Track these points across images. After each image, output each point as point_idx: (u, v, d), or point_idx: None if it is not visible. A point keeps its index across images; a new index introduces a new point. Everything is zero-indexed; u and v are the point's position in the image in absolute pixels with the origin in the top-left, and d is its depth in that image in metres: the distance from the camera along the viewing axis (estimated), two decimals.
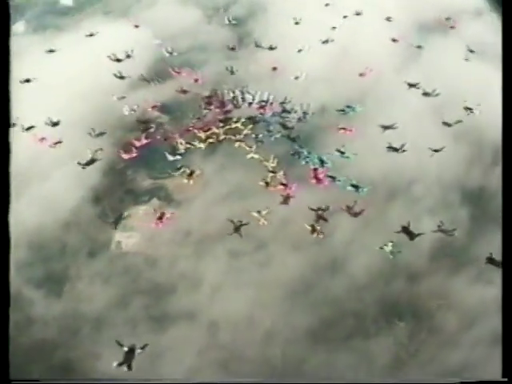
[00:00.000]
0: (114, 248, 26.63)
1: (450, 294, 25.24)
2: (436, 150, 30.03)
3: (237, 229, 26.18)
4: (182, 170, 29.89)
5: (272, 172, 28.98)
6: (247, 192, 29.38)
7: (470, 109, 33.27)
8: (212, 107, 35.25)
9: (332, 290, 25.50)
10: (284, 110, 34.26)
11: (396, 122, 32.19)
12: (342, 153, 30.17)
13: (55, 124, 31.41)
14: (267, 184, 28.48)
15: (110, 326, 24.00)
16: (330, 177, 29.01)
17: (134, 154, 30.51)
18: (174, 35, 42.06)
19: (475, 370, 21.91)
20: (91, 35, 40.06)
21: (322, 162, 29.93)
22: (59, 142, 30.19)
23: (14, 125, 29.21)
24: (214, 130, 32.63)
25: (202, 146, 31.84)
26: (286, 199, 27.70)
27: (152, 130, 32.22)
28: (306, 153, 30.43)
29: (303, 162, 29.88)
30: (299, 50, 38.38)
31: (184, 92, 35.57)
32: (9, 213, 16.28)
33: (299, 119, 33.35)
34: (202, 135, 32.40)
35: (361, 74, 35.46)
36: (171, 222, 27.76)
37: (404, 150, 29.90)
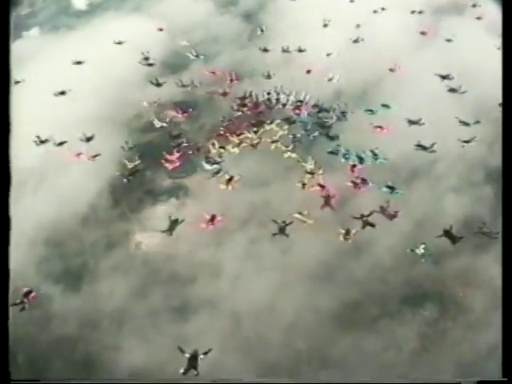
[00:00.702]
0: (133, 248, 26.96)
1: (478, 272, 25.19)
2: (466, 141, 31.01)
3: (282, 229, 26.33)
4: (220, 174, 29.71)
5: (310, 173, 29.32)
6: (282, 192, 29.22)
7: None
8: (245, 109, 34.95)
9: (356, 273, 25.29)
10: (321, 110, 34.29)
11: (423, 118, 32.75)
12: (375, 155, 30.78)
13: (89, 139, 31.85)
14: (304, 185, 28.88)
15: (131, 318, 24.11)
16: (363, 180, 29.05)
17: (177, 164, 30.82)
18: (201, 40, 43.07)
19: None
20: (119, 43, 41.27)
21: (361, 160, 30.35)
22: (98, 155, 30.77)
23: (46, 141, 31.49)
24: (247, 134, 32.44)
25: (236, 150, 31.46)
26: (327, 201, 28.15)
27: (184, 143, 32.08)
28: (344, 150, 30.60)
29: (342, 160, 30.29)
30: (328, 54, 39.33)
31: (224, 94, 36.39)
32: (9, 211, 16.34)
33: (338, 118, 33.26)
34: (235, 139, 32.01)
35: (391, 69, 36.42)
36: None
37: (433, 151, 30.95)
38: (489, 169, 29.40)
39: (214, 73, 37.77)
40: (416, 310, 23.74)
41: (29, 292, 23.25)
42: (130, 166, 29.88)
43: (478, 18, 41.05)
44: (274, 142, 31.46)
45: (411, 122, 31.81)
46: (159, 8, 45.59)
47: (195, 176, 30.14)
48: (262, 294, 24.36)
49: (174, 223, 26.39)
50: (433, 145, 29.85)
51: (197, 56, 39.43)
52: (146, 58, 38.92)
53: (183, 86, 36.55)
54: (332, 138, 31.51)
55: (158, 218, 27.64)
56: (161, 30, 42.28)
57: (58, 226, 26.96)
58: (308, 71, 37.11)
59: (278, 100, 34.91)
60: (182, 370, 20.89)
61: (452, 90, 34.25)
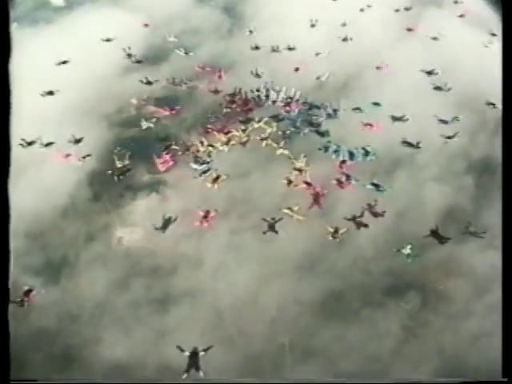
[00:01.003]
0: (115, 244, 26.76)
1: (460, 262, 25.74)
2: (449, 137, 31.87)
3: (271, 226, 26.64)
4: (208, 173, 29.90)
5: (298, 170, 29.73)
6: (268, 190, 29.43)
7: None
8: (234, 106, 35.28)
9: (338, 264, 25.78)
10: (312, 106, 34.84)
11: (407, 113, 33.82)
12: (367, 152, 31.20)
13: (78, 141, 31.71)
14: (290, 182, 29.20)
15: (111, 309, 24.15)
16: (348, 176, 29.65)
17: (171, 163, 31.09)
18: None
19: (490, 337, 22.15)
20: (103, 39, 41.42)
21: (352, 155, 30.79)
22: (88, 156, 30.91)
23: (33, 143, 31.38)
24: (235, 132, 32.47)
25: (225, 148, 31.70)
26: (316, 199, 28.41)
27: (173, 145, 32.00)
28: (335, 146, 31.10)
29: (333, 156, 30.78)
30: (317, 54, 39.99)
31: (216, 92, 36.76)
32: (9, 210, 15.50)
33: (329, 115, 33.85)
34: (223, 137, 32.18)
35: (377, 67, 37.28)
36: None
37: (418, 147, 31.57)
38: (471, 160, 30.24)
39: (203, 68, 38.68)
40: (399, 301, 24.23)
41: (29, 291, 23.61)
42: (120, 164, 30.44)
43: (461, 16, 42.94)
44: (263, 139, 31.69)
45: (396, 119, 33.02)
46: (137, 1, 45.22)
47: (175, 171, 30.30)
48: (243, 286, 24.66)
49: (168, 221, 26.82)
50: (418, 143, 31.07)
51: (186, 53, 40.16)
52: (129, 55, 40.00)
53: (173, 83, 37.52)
54: (322, 135, 31.94)
55: (139, 213, 28.09)
56: (146, 25, 43.50)
57: (37, 218, 27.15)
58: (296, 69, 38.07)
59: (267, 97, 35.43)
60: (184, 375, 21.40)
61: (437, 88, 35.81)
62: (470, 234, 25.60)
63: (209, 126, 33.02)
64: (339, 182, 28.39)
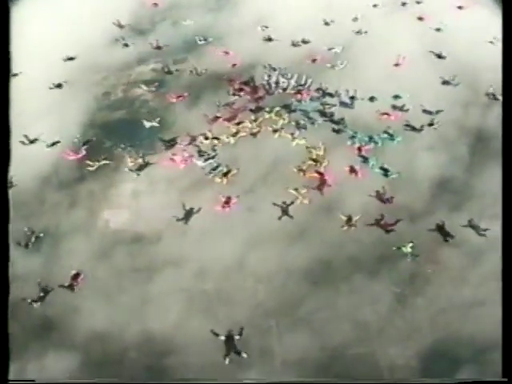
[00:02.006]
0: (101, 226, 26.80)
1: (452, 231, 25.76)
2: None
3: (284, 211, 26.80)
4: (217, 170, 29.28)
5: (314, 161, 29.51)
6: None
7: None
8: (242, 93, 34.93)
9: (328, 232, 25.98)
10: (325, 94, 34.46)
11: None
12: (391, 135, 30.99)
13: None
14: (300, 170, 29.15)
15: (94, 279, 24.46)
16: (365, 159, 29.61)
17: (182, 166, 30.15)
18: None
19: (482, 306, 22.72)
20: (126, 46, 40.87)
21: (371, 139, 30.65)
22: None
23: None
24: (247, 123, 32.15)
25: (232, 140, 31.15)
26: (320, 186, 28.18)
27: (178, 143, 31.40)
28: (351, 132, 31.23)
29: (349, 143, 30.64)
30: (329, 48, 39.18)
31: (219, 78, 36.37)
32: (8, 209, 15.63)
33: (342, 103, 33.49)
34: (232, 128, 31.89)
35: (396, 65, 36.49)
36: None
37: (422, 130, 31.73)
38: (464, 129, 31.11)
39: (227, 53, 38.83)
40: (391, 269, 24.46)
41: (77, 274, 24.18)
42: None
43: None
44: (275, 130, 31.45)
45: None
46: None
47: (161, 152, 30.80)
48: (230, 253, 25.14)
49: (190, 212, 26.91)
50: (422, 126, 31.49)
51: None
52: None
53: (191, 71, 37.52)
54: (337, 123, 31.91)
55: (125, 195, 28.45)
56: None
57: (19, 187, 27.72)
58: (313, 60, 37.97)
59: (277, 84, 35.25)
60: (225, 360, 21.63)
61: (446, 83, 35.32)
62: (472, 228, 25.69)
63: (218, 115, 32.85)
64: (352, 170, 28.71)
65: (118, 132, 31.97)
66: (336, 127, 31.37)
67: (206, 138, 31.01)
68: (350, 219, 25.79)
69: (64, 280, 23.76)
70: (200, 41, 39.65)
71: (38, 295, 23.20)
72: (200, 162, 29.48)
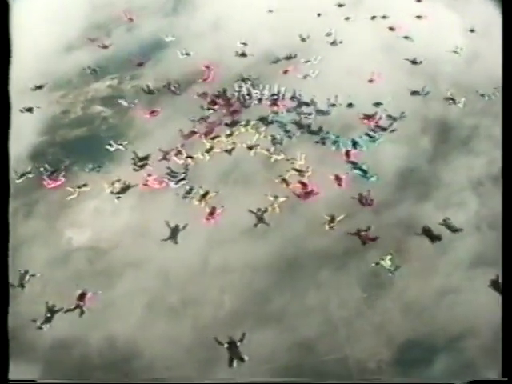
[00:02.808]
0: (64, 244, 26.50)
1: (420, 220, 26.69)
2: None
3: (260, 219, 26.86)
4: (193, 192, 28.48)
5: (298, 171, 29.32)
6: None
7: None
8: (216, 107, 34.40)
9: (293, 228, 26.57)
10: (300, 103, 34.10)
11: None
12: (372, 137, 31.26)
13: None
14: (284, 181, 28.90)
15: (54, 283, 24.80)
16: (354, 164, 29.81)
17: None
18: None
19: (455, 294, 23.52)
20: None
21: (355, 144, 30.79)
22: None
23: None
24: (222, 138, 31.77)
25: (207, 157, 30.71)
26: (305, 194, 28.03)
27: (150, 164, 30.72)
28: (333, 137, 31.38)
29: (333, 148, 30.73)
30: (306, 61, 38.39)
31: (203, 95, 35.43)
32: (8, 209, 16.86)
33: (319, 111, 33.21)
34: (206, 143, 31.38)
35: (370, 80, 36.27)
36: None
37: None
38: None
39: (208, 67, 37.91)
40: (359, 261, 25.05)
41: (83, 294, 24.13)
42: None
43: None
44: (251, 147, 31.05)
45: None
46: None
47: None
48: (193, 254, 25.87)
49: (175, 230, 26.53)
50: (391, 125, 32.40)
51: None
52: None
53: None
54: (317, 133, 31.77)
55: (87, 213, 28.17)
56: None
57: None
58: (285, 71, 37.44)
59: (250, 96, 34.99)
60: (228, 365, 21.89)
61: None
62: (447, 227, 26.16)
63: (195, 130, 32.42)
64: (337, 179, 28.65)
65: (79, 150, 31.80)
66: (316, 138, 31.36)
67: (179, 154, 30.83)
68: (333, 219, 26.35)
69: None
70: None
71: None
72: (172, 184, 29.10)
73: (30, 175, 29.79)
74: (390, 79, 35.76)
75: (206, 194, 28.24)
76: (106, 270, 25.27)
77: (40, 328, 22.82)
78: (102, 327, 23.15)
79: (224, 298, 24.07)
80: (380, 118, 32.17)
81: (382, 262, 24.61)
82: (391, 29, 41.30)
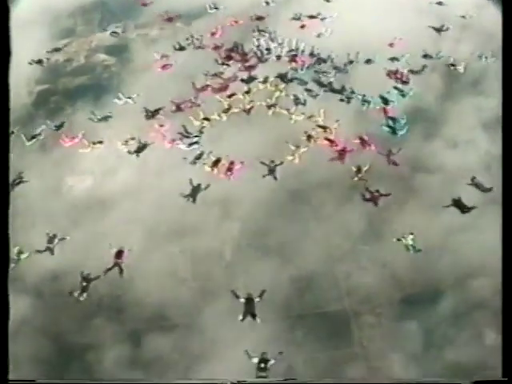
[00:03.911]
0: (65, 192, 26.86)
1: (428, 158, 26.92)
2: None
3: (271, 171, 25.97)
4: (202, 158, 26.93)
5: (322, 127, 27.84)
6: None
7: None
8: (231, 62, 32.85)
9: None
10: (319, 60, 32.45)
11: None
12: (401, 91, 30.21)
13: None
14: (309, 137, 27.36)
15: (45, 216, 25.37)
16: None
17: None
18: None
19: (462, 232, 23.51)
20: None
21: (386, 101, 29.66)
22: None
23: None
24: (239, 95, 30.18)
25: (224, 117, 29.11)
26: (341, 155, 26.55)
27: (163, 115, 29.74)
28: (360, 97, 30.03)
29: (364, 108, 29.36)
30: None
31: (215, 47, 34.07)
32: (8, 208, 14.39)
33: (337, 69, 31.66)
34: (224, 102, 29.74)
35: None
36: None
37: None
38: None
39: (236, 22, 36.49)
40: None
41: (120, 252, 23.57)
42: None
43: None
44: (270, 106, 29.57)
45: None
46: None
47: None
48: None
49: (197, 189, 25.21)
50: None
51: (216, 8, 38.21)
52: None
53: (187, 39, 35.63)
54: (340, 92, 30.41)
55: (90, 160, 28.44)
56: None
57: None
58: (302, 26, 36.06)
59: (269, 50, 33.93)
60: (240, 317, 21.29)
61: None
62: (476, 187, 25.36)
63: (208, 83, 31.23)
64: (362, 141, 27.34)
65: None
66: (340, 97, 30.24)
67: (194, 106, 29.60)
68: (359, 170, 25.94)
69: None
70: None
71: None
72: (183, 146, 28.16)
73: (41, 136, 29.20)
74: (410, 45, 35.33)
75: (217, 160, 26.93)
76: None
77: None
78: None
79: (223, 230, 24.90)
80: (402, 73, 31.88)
81: (402, 240, 23.56)
82: None
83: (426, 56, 33.75)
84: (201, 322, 22.44)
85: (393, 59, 32.93)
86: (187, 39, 35.01)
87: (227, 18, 37.18)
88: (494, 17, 32.79)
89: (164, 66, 32.97)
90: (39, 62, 34.51)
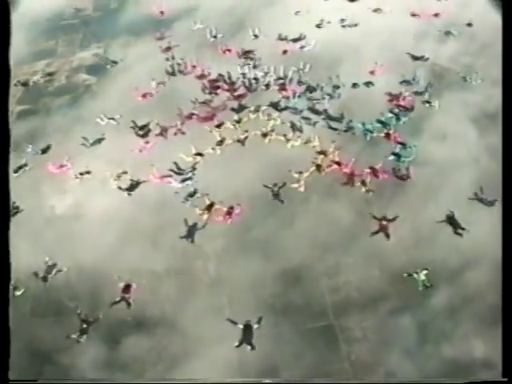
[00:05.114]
0: (47, 213, 26.38)
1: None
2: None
3: (275, 195, 25.53)
4: (196, 196, 25.74)
5: (321, 153, 27.68)
6: None
7: None
8: (219, 91, 32.31)
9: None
10: (309, 87, 32.12)
11: None
12: (396, 115, 29.67)
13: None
14: (318, 167, 26.89)
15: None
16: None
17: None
18: None
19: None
20: None
21: (385, 125, 29.33)
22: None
23: None
24: (229, 125, 29.63)
25: (218, 150, 28.27)
26: (350, 178, 26.38)
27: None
28: (360, 126, 29.58)
29: (368, 138, 28.46)
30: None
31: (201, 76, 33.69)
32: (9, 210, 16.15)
33: (330, 96, 31.40)
34: (215, 133, 28.97)
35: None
36: None
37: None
38: None
39: (229, 50, 35.94)
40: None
41: (128, 286, 23.10)
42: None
43: None
44: (265, 134, 28.96)
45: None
46: None
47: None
48: None
49: (193, 227, 24.58)
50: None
51: (215, 37, 37.74)
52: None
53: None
54: (339, 120, 29.83)
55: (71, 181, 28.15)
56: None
57: None
58: (284, 51, 36.24)
59: (256, 80, 33.45)
60: (236, 344, 20.97)
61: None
62: (479, 201, 24.98)
63: (194, 112, 30.75)
64: (373, 171, 26.72)
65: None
66: (338, 125, 29.63)
67: (179, 132, 29.31)
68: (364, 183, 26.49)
69: None
70: None
71: None
72: (176, 183, 27.10)
73: (27, 167, 28.90)
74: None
75: (211, 205, 25.86)
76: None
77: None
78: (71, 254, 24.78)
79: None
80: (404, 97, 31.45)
81: (414, 275, 22.56)
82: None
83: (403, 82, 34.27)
84: (181, 320, 21.99)
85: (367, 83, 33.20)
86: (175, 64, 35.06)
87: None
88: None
89: (144, 95, 32.06)
90: (25, 84, 34.57)
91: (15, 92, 33.62)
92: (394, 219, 24.80)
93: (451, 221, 25.11)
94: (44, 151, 29.92)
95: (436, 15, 38.94)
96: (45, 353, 21.38)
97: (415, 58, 35.92)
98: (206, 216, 25.58)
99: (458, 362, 19.91)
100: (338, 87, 32.51)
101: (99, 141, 29.84)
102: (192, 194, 26.47)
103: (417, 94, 31.66)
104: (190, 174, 27.48)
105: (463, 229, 24.73)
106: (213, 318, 22.03)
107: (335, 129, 29.44)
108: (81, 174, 28.68)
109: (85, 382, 21.16)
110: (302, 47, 37.42)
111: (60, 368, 20.91)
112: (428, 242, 23.76)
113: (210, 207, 25.97)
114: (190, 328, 21.78)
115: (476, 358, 20.07)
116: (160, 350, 21.40)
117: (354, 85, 32.70)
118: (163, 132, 29.54)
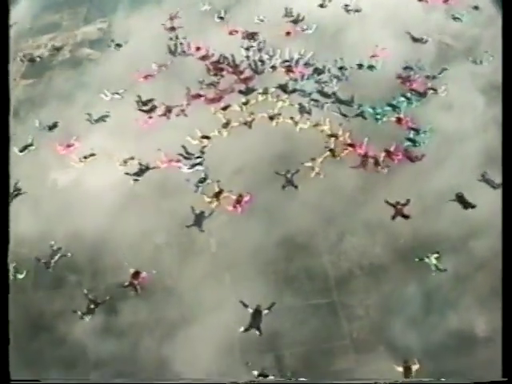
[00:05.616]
0: (49, 186, 26.59)
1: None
2: None
3: (289, 181, 24.87)
4: (205, 183, 25.11)
5: (332, 136, 27.01)
6: None
7: None
8: (224, 73, 31.73)
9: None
10: (316, 69, 31.30)
11: None
12: (408, 99, 29.03)
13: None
14: (332, 152, 26.20)
15: None
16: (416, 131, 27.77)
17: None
18: None
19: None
20: None
21: (395, 108, 28.42)
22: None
23: None
24: (236, 107, 29.14)
25: (225, 133, 27.75)
26: (363, 161, 25.66)
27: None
28: (370, 110, 28.69)
29: (379, 122, 27.67)
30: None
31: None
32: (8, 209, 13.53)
33: (338, 78, 30.58)
34: (219, 115, 28.37)
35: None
36: None
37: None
38: None
39: (236, 31, 35.11)
40: None
41: (137, 273, 22.53)
42: None
43: None
44: (273, 117, 28.38)
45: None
46: None
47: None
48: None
49: (200, 215, 23.79)
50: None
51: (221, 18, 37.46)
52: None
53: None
54: (349, 103, 28.81)
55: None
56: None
57: None
58: (287, 33, 35.34)
59: (262, 62, 32.69)
60: (242, 329, 20.40)
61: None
62: (486, 182, 24.42)
63: (201, 93, 30.08)
64: (388, 153, 26.09)
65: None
66: (347, 108, 28.88)
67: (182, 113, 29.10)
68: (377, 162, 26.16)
69: None
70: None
71: None
72: (185, 169, 26.42)
73: (32, 147, 28.76)
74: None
75: (219, 192, 24.95)
76: None
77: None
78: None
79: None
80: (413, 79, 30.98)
81: (425, 260, 21.74)
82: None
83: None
84: (180, 286, 22.13)
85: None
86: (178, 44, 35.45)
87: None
88: None
89: (146, 77, 31.49)
90: (31, 59, 34.47)
91: (19, 67, 33.63)
92: (406, 203, 23.33)
93: (461, 200, 24.02)
94: (51, 128, 29.33)
95: (445, 1, 38.03)
96: (42, 320, 21.47)
97: (418, 41, 34.37)
98: (214, 204, 24.79)
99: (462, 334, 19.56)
100: (345, 68, 31.29)
101: (103, 118, 28.95)
102: (202, 180, 25.67)
103: (428, 78, 30.45)
104: (199, 160, 26.79)
105: (473, 206, 23.82)
106: (213, 284, 21.91)
107: (344, 115, 28.08)
108: (85, 157, 27.31)
109: (85, 383, 21.01)
110: (303, 30, 36.04)
111: (56, 335, 20.85)
112: (433, 214, 22.97)
113: (218, 194, 25.12)
114: (189, 294, 21.78)
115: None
116: (158, 316, 21.23)
117: (360, 66, 31.58)
118: (167, 112, 28.95)
